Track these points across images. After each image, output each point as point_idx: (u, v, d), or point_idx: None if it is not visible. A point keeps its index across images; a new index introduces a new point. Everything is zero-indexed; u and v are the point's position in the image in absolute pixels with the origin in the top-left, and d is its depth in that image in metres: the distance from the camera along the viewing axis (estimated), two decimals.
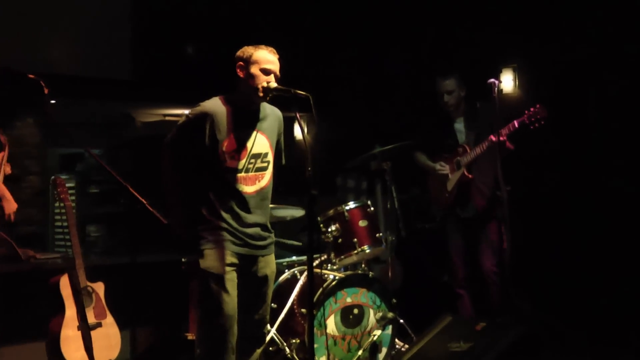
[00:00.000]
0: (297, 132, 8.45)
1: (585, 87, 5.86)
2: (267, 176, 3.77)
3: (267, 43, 3.75)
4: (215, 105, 3.67)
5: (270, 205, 4.68)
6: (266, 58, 3.66)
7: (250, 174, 3.68)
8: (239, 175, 3.65)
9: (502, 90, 6.22)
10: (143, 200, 3.45)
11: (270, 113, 3.85)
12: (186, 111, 3.76)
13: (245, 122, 3.72)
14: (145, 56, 7.80)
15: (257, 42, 3.75)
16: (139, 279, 4.49)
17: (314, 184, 3.31)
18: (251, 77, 3.64)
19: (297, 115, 3.54)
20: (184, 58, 7.97)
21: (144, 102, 8.04)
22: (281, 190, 5.47)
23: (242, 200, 3.67)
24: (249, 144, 3.69)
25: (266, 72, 3.64)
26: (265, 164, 3.76)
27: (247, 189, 3.68)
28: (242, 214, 3.67)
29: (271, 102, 3.79)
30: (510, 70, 6.41)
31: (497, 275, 5.08)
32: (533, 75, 6.27)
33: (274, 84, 3.63)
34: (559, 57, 5.97)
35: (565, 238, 5.82)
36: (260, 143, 3.74)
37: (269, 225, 3.83)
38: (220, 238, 3.62)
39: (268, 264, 3.81)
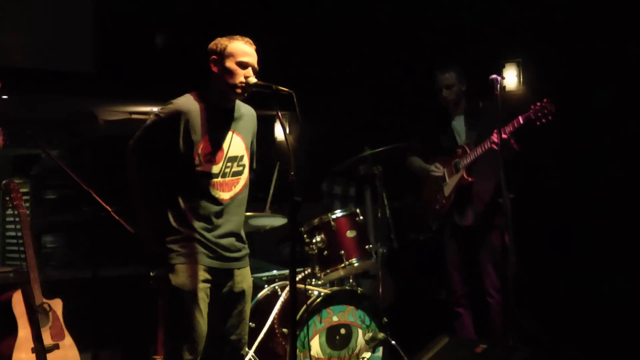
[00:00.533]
0: (279, 133, 8.48)
1: (598, 84, 5.90)
2: (243, 181, 3.79)
3: (245, 34, 3.76)
4: (188, 102, 3.67)
5: (248, 214, 4.70)
6: (242, 50, 3.66)
7: (226, 179, 3.70)
8: (214, 180, 3.66)
9: (505, 87, 6.26)
10: (108, 207, 3.46)
11: (245, 112, 3.87)
12: (155, 109, 3.78)
13: (220, 121, 3.73)
14: (109, 46, 7.77)
15: (232, 32, 3.76)
16: (101, 296, 4.50)
17: (297, 189, 3.32)
18: (227, 72, 3.65)
19: (279, 114, 3.55)
20: (153, 49, 7.96)
21: (108, 98, 8.02)
22: (261, 197, 5.51)
23: (217, 208, 3.68)
24: (225, 146, 3.70)
25: (243, 65, 3.65)
26: (241, 168, 3.77)
27: (223, 195, 3.69)
28: (217, 222, 3.67)
29: (250, 100, 3.81)
30: (514, 66, 6.45)
31: (499, 292, 5.10)
32: (539, 71, 6.31)
33: (253, 79, 3.64)
34: (568, 50, 6.02)
35: (574, 250, 5.86)
36: (236, 145, 3.76)
37: (243, 235, 3.84)
38: (193, 251, 3.61)
39: (245, 277, 3.82)
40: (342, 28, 7.59)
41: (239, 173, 3.76)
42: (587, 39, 5.92)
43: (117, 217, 3.45)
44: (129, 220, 3.53)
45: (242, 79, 3.63)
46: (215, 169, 3.66)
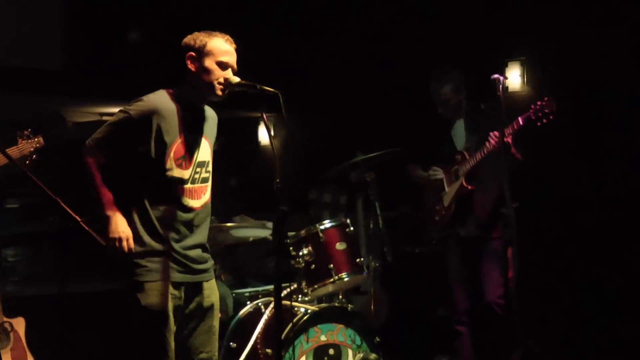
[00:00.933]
0: (263, 137, 8.48)
1: (612, 84, 5.93)
2: (209, 188, 3.81)
3: (225, 30, 3.77)
4: (163, 100, 3.66)
5: (230, 224, 4.70)
6: (223, 49, 3.68)
7: (196, 185, 3.71)
8: (185, 186, 3.66)
9: (507, 87, 6.26)
10: (76, 217, 3.43)
11: (210, 115, 3.89)
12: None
13: (194, 123, 3.74)
14: (78, 41, 7.76)
15: (211, 27, 3.75)
16: (69, 314, 4.47)
17: (283, 198, 3.32)
18: (205, 71, 3.65)
19: (264, 116, 3.56)
20: (126, 45, 7.95)
21: (77, 98, 8.01)
22: (244, 207, 5.52)
23: (187, 217, 3.69)
24: (196, 150, 3.72)
25: (223, 66, 3.66)
26: (208, 175, 3.80)
27: (194, 203, 3.70)
28: (186, 233, 3.69)
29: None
30: (518, 64, 6.47)
31: (502, 309, 5.10)
32: (545, 71, 6.33)
33: (235, 78, 3.65)
34: (577, 46, 6.04)
35: (584, 264, 5.88)
36: (204, 149, 3.79)
37: (208, 246, 3.86)
38: (163, 266, 3.61)
39: (212, 290, 3.84)
40: (333, 21, 7.60)
41: (206, 180, 3.78)
42: (599, 33, 5.94)
43: (86, 228, 3.41)
44: (100, 232, 3.50)
45: (221, 79, 3.65)
46: (186, 174, 3.67)
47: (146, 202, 3.62)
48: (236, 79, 3.64)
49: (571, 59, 6.09)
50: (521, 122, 4.78)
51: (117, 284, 3.98)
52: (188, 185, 3.67)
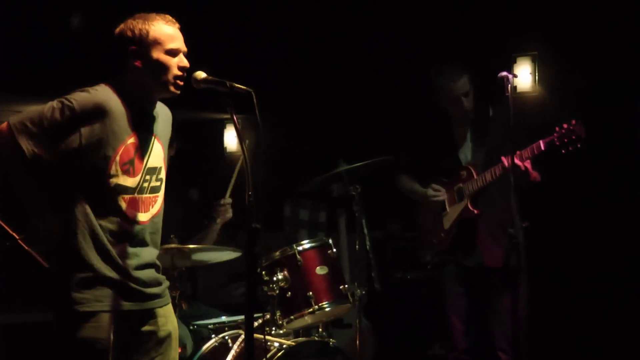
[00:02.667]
0: (229, 142, 8.51)
1: (635, 87, 6.00)
2: (160, 199, 3.77)
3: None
4: (110, 97, 3.59)
5: (191, 246, 4.69)
6: (168, 33, 3.61)
7: (144, 195, 3.67)
8: (131, 196, 3.62)
9: (516, 87, 6.31)
10: (14, 234, 3.44)
11: (161, 111, 3.83)
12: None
13: (143, 122, 3.69)
14: (10, 30, 7.76)
15: (155, 9, 3.71)
16: (3, 347, 4.46)
17: (255, 214, 3.32)
18: (156, 65, 3.59)
19: (235, 118, 3.50)
20: (66, 33, 7.95)
21: (8, 95, 8.00)
22: (206, 224, 5.53)
23: (134, 232, 3.64)
24: (146, 154, 3.68)
25: (173, 53, 3.61)
26: (159, 183, 3.76)
27: (141, 216, 3.66)
28: (133, 251, 3.63)
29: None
30: (528, 60, 6.54)
31: (509, 353, 5.11)
32: (559, 67, 6.41)
33: (201, 74, 3.61)
34: (596, 39, 6.11)
35: (603, 296, 5.94)
36: (156, 153, 3.74)
37: (159, 265, 3.80)
38: (105, 292, 3.55)
39: (168, 317, 3.79)
40: (313, 14, 7.65)
41: (157, 189, 3.74)
42: (622, 25, 6.00)
43: (25, 247, 3.42)
44: (42, 252, 3.49)
45: (178, 72, 3.61)
46: (133, 182, 3.62)
47: (84, 215, 3.54)
48: (202, 75, 3.55)
49: (589, 54, 6.16)
50: (542, 148, 4.77)
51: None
52: (134, 195, 3.62)
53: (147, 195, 3.68)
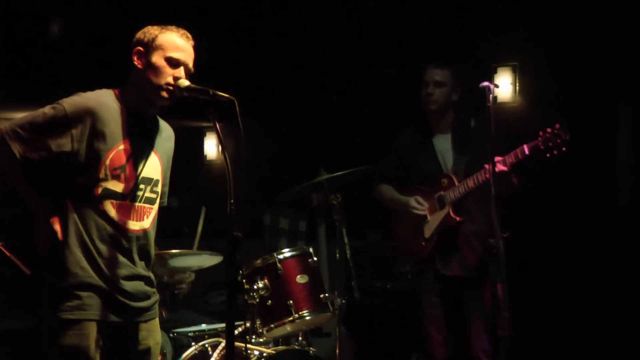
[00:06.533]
0: (209, 150, 8.50)
1: (614, 95, 6.03)
2: (154, 212, 3.79)
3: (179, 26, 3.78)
4: (106, 99, 3.64)
5: (172, 251, 4.69)
6: (174, 43, 3.67)
7: (136, 204, 3.67)
8: (121, 202, 3.63)
9: (496, 97, 6.34)
10: None
11: (165, 129, 3.89)
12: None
13: (141, 132, 3.73)
14: None
15: (161, 22, 3.76)
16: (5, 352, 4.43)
17: (236, 222, 3.32)
18: (151, 68, 3.64)
19: (217, 126, 3.50)
20: (46, 38, 7.94)
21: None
22: (187, 232, 5.53)
23: (124, 241, 3.64)
24: (140, 163, 3.70)
25: (173, 62, 3.65)
26: (155, 195, 3.77)
27: (133, 225, 3.66)
28: (123, 262, 3.64)
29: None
30: (508, 70, 6.57)
31: (489, 354, 5.13)
32: (539, 78, 6.44)
33: (185, 82, 3.62)
34: (575, 50, 6.14)
35: (585, 303, 5.97)
36: (153, 165, 3.77)
37: (153, 279, 3.82)
38: (92, 302, 3.57)
39: (151, 332, 3.80)
40: (292, 25, 7.66)
41: (152, 201, 3.75)
42: (600, 36, 6.04)
43: (7, 254, 3.42)
44: (25, 259, 3.49)
45: (170, 80, 3.63)
46: (124, 188, 3.63)
47: (77, 220, 3.56)
48: (185, 83, 3.62)
49: (569, 65, 6.19)
50: (527, 152, 4.80)
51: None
52: (126, 202, 3.63)
53: (141, 204, 3.70)
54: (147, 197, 3.72)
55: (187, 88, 3.63)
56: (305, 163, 5.93)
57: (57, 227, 3.56)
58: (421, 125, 5.45)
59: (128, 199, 3.64)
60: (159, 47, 3.66)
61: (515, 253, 4.86)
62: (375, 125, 7.01)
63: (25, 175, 3.59)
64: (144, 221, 3.71)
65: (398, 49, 7.05)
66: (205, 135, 8.53)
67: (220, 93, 3.50)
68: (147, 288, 3.75)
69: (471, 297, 5.23)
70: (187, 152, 8.57)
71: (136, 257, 3.69)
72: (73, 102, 3.58)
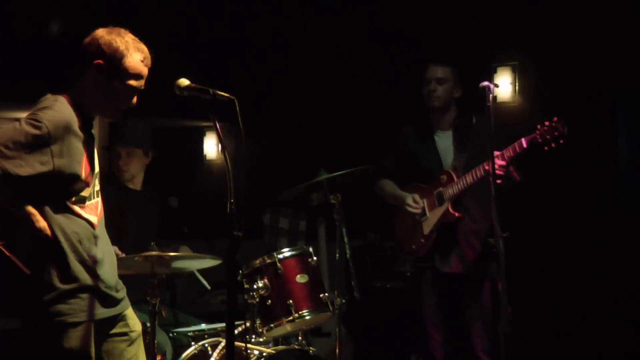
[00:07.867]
0: (209, 150, 8.49)
1: (613, 96, 6.03)
2: (101, 201, 3.82)
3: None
4: (69, 109, 3.59)
5: (172, 254, 4.70)
6: (139, 71, 3.67)
7: (94, 200, 3.73)
8: (87, 203, 3.67)
9: (496, 97, 6.33)
10: None
11: None
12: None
13: (90, 131, 3.74)
14: None
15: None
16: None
17: (237, 222, 3.33)
18: (114, 90, 3.64)
19: (217, 126, 3.52)
20: (46, 38, 7.93)
21: None
22: (187, 232, 5.53)
23: (96, 237, 3.68)
24: (94, 162, 3.75)
25: (131, 90, 3.67)
26: (98, 186, 3.82)
27: (94, 219, 3.71)
28: (101, 256, 3.68)
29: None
30: (508, 70, 6.57)
31: (491, 358, 5.13)
32: (539, 77, 6.44)
33: (185, 81, 3.53)
34: (576, 50, 6.14)
35: (587, 304, 5.96)
36: (95, 158, 3.81)
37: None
38: (88, 302, 3.60)
39: (135, 319, 3.89)
40: (292, 24, 7.65)
41: (98, 192, 3.80)
42: (600, 36, 6.04)
43: (7, 253, 3.41)
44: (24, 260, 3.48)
45: (130, 104, 3.69)
46: (89, 190, 3.68)
47: (63, 225, 3.56)
48: (185, 82, 3.58)
49: (569, 65, 6.19)
50: (525, 145, 4.81)
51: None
52: (91, 202, 3.69)
53: (96, 199, 3.75)
54: (97, 191, 3.77)
55: (187, 87, 3.60)
56: (305, 163, 5.93)
57: (48, 229, 3.55)
58: (423, 122, 5.46)
59: (92, 198, 3.71)
60: (125, 72, 3.65)
61: (515, 253, 4.85)
62: (375, 125, 7.00)
63: (14, 189, 3.50)
64: (99, 214, 3.75)
65: (398, 49, 7.04)
66: (205, 135, 8.51)
67: (220, 92, 3.50)
68: (118, 278, 3.82)
69: (470, 295, 5.25)
70: (186, 152, 8.63)
71: (104, 250, 3.74)
72: (52, 118, 3.50)
